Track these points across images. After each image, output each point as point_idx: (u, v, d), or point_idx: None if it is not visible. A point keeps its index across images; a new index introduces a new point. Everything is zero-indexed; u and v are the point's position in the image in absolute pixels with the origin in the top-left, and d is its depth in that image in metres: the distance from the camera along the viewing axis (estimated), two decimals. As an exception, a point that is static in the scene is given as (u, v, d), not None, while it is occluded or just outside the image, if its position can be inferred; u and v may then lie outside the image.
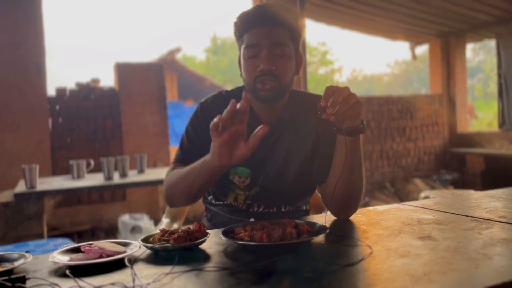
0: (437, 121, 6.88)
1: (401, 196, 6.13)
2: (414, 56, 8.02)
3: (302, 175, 1.38)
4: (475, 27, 6.68)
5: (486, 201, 1.44)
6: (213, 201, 1.46)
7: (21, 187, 2.87)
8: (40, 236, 2.76)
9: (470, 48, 23.54)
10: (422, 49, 9.08)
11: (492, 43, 8.16)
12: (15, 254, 0.95)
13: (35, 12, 4.81)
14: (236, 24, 1.34)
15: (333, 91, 1.11)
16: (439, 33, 7.00)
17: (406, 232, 1.07)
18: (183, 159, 1.40)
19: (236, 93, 1.44)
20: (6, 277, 0.77)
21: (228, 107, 1.01)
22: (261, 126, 1.03)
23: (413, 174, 6.60)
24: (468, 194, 2.48)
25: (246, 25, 1.31)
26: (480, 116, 13.77)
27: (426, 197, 3.03)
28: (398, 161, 6.52)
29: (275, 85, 1.27)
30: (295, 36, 1.33)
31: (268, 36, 1.27)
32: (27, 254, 0.94)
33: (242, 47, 1.32)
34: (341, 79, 25.07)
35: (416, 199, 5.26)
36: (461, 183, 6.62)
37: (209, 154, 1.12)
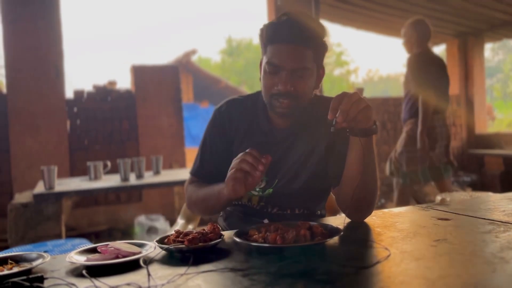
0: (454, 122, 6.77)
1: (418, 198, 6.04)
2: (431, 57, 7.91)
3: (315, 178, 1.38)
4: (494, 26, 6.56)
5: (505, 204, 1.41)
6: None
7: (40, 188, 2.93)
8: (58, 236, 2.81)
9: (489, 48, 23.15)
10: (440, 49, 8.96)
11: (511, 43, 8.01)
12: (34, 254, 0.97)
13: (53, 16, 4.89)
14: (262, 32, 1.32)
15: (340, 99, 1.10)
16: (456, 33, 6.90)
17: (422, 234, 1.06)
18: (199, 173, 1.47)
19: (251, 99, 1.45)
20: (24, 277, 0.79)
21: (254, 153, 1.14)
22: (266, 156, 1.15)
23: (430, 175, 6.50)
24: (486, 196, 2.43)
25: (272, 37, 1.28)
26: (500, 116, 13.52)
27: (443, 199, 2.99)
28: (415, 163, 6.43)
29: (291, 104, 1.27)
30: (320, 53, 1.32)
31: (291, 58, 1.25)
32: (45, 254, 0.96)
33: (265, 57, 1.30)
34: (357, 80, 24.90)
35: (433, 201, 5.19)
36: (480, 185, 6.50)
37: (223, 185, 1.21)
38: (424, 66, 3.54)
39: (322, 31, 1.32)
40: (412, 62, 3.61)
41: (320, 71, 1.35)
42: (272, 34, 1.28)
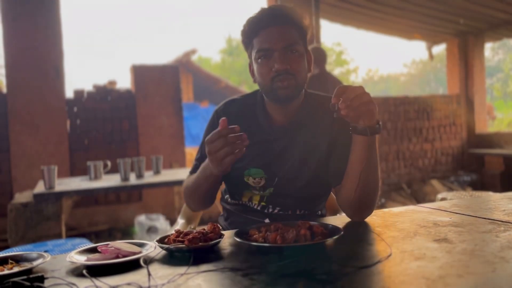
0: (454, 122, 6.78)
1: (418, 197, 6.05)
2: (431, 56, 7.93)
3: (317, 177, 1.37)
4: (494, 26, 6.57)
5: (505, 203, 1.41)
6: (229, 200, 1.47)
7: (40, 187, 2.93)
8: (58, 236, 2.81)
9: (489, 47, 23.16)
10: (440, 49, 8.96)
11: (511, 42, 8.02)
12: (34, 254, 0.97)
13: (53, 16, 4.90)
14: (244, 30, 1.34)
15: (345, 88, 1.12)
16: (457, 32, 6.90)
17: (422, 234, 1.05)
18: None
19: (249, 98, 1.46)
20: (24, 277, 0.79)
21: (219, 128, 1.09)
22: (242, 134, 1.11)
23: (430, 175, 6.51)
24: (486, 195, 2.44)
25: (255, 28, 1.31)
26: (500, 116, 13.50)
27: (443, 199, 2.99)
28: (415, 162, 6.44)
29: (292, 83, 1.28)
30: (303, 34, 1.34)
31: (279, 37, 1.28)
32: (45, 254, 0.96)
33: (254, 51, 1.32)
34: (357, 79, 24.91)
35: (433, 200, 5.19)
36: (480, 185, 6.51)
37: (208, 164, 1.20)
38: (320, 85, 3.97)
39: (300, 13, 1.35)
40: (308, 82, 4.10)
41: (307, 55, 1.36)
42: (255, 25, 1.31)
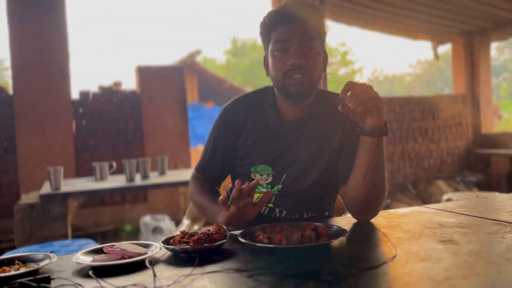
0: (460, 122, 6.74)
1: (424, 198, 6.03)
2: (436, 56, 7.89)
3: (325, 176, 1.36)
4: (500, 25, 6.53)
5: (511, 204, 1.40)
6: None
7: (46, 188, 2.94)
8: (64, 236, 2.82)
9: (495, 47, 23.02)
10: (445, 48, 8.93)
11: (517, 42, 7.96)
12: (40, 255, 0.98)
13: (59, 17, 4.92)
14: (263, 23, 1.34)
15: (353, 84, 1.14)
16: (462, 32, 6.86)
17: (427, 235, 1.05)
18: (203, 170, 1.50)
19: (258, 94, 1.45)
20: (31, 277, 0.79)
21: (235, 187, 1.12)
22: (266, 192, 1.17)
23: (436, 175, 6.48)
24: (492, 196, 2.42)
25: (275, 22, 1.31)
26: (506, 116, 13.42)
27: (449, 200, 2.97)
28: (420, 163, 6.42)
29: (305, 80, 1.27)
30: (321, 34, 1.34)
31: (298, 32, 1.28)
32: (51, 255, 0.97)
33: (271, 44, 1.32)
34: (362, 79, 24.84)
35: (439, 201, 5.17)
36: (486, 185, 6.46)
37: (218, 211, 1.23)
38: None
39: (321, 13, 1.37)
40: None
41: (324, 55, 1.36)
42: (275, 19, 1.31)
